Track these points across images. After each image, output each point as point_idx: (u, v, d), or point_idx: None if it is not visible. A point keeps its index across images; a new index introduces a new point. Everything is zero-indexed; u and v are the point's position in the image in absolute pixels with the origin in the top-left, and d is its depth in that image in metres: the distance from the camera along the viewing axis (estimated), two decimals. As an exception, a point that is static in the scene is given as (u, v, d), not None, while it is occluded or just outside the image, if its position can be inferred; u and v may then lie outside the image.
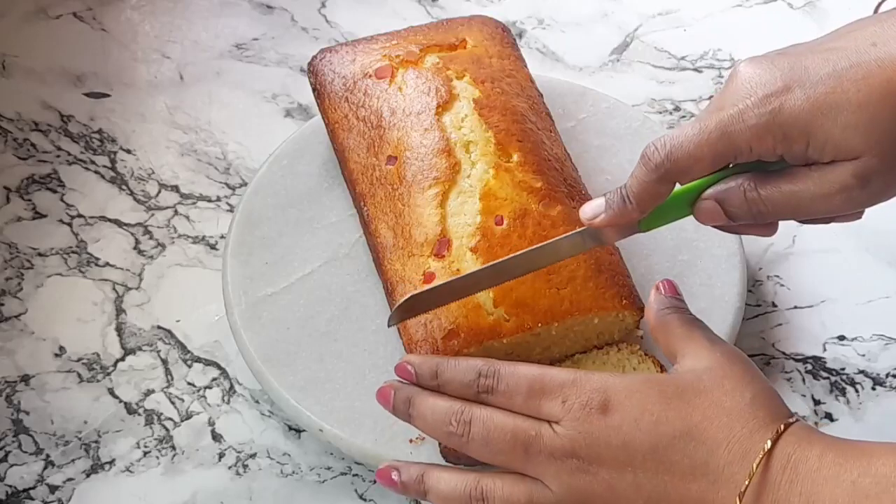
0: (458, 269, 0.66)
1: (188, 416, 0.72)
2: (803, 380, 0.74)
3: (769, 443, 0.54)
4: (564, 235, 0.63)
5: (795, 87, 0.56)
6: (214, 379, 0.74)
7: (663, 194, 0.60)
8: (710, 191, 0.60)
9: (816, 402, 0.73)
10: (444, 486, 0.59)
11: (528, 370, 0.59)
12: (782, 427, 0.55)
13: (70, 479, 0.69)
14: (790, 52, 0.59)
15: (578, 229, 0.63)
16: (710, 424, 0.55)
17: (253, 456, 0.70)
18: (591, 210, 0.62)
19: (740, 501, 0.54)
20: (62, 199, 0.83)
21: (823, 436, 0.55)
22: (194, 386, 0.73)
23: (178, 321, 0.76)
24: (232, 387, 0.73)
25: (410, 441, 0.67)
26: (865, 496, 0.51)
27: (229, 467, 0.70)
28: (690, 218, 0.69)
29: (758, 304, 0.78)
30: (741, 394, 0.56)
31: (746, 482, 0.53)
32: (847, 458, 0.53)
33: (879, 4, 0.88)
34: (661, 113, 0.90)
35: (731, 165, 0.59)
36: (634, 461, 0.56)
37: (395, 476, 0.61)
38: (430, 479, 0.60)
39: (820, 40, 0.59)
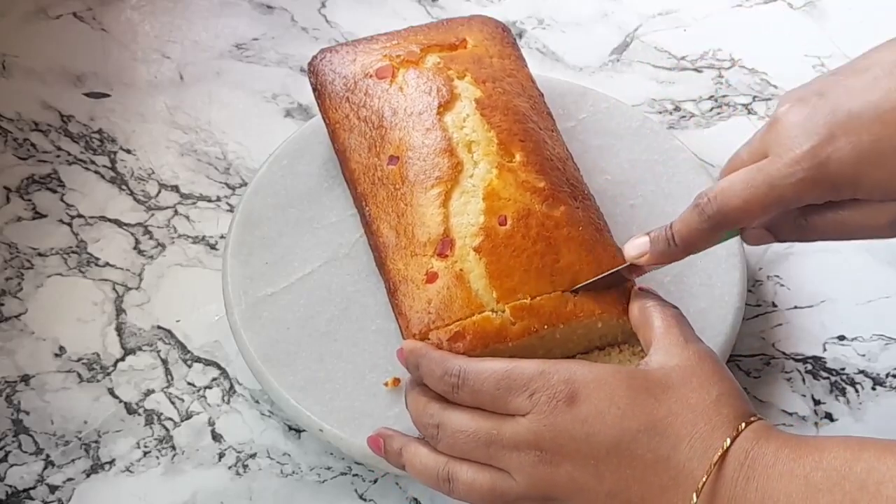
0: (461, 269, 0.66)
1: (188, 416, 0.72)
2: (803, 380, 0.74)
3: (728, 440, 0.55)
4: (605, 274, 0.66)
5: (840, 136, 0.57)
6: (214, 379, 0.74)
7: (713, 241, 0.62)
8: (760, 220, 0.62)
9: (816, 402, 0.73)
10: (418, 462, 0.62)
11: (494, 367, 0.60)
12: (743, 425, 0.56)
13: (70, 479, 0.69)
14: (829, 93, 0.59)
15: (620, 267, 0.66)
16: (674, 420, 0.56)
17: (253, 456, 0.70)
18: (636, 249, 0.64)
19: (697, 497, 0.55)
20: (62, 199, 0.83)
21: (781, 433, 0.56)
22: (194, 386, 0.73)
23: (178, 321, 0.76)
24: (232, 387, 0.73)
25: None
26: (818, 490, 0.52)
27: (229, 467, 0.70)
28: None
29: (758, 304, 0.78)
30: (707, 391, 0.57)
31: (704, 478, 0.55)
32: (801, 453, 0.54)
33: None
34: (661, 113, 0.90)
35: None
36: (598, 454, 0.57)
37: (381, 444, 0.64)
38: (407, 453, 0.63)
39: (856, 69, 0.59)
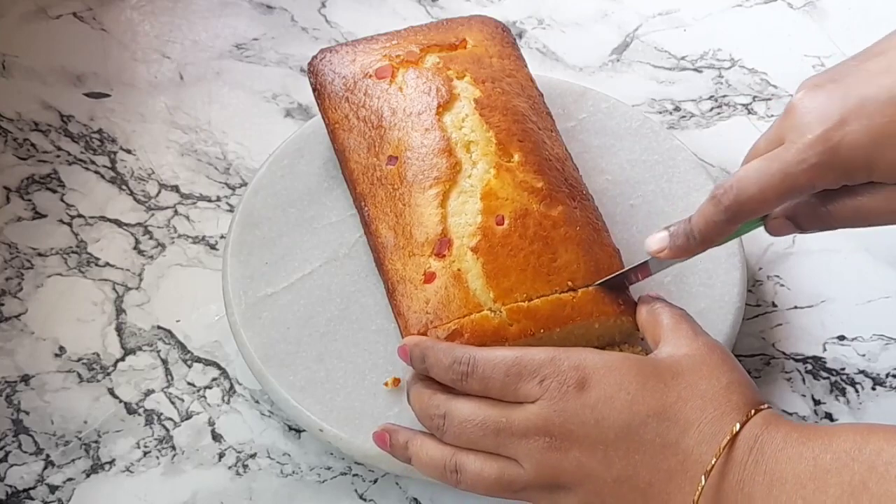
0: (458, 269, 0.66)
1: (188, 416, 0.72)
2: (803, 380, 0.74)
3: (738, 425, 0.56)
4: (615, 275, 0.67)
5: (852, 120, 0.56)
6: (214, 379, 0.74)
7: (730, 231, 0.61)
8: (779, 209, 0.62)
9: (816, 402, 0.73)
10: (425, 454, 0.62)
11: (505, 354, 0.61)
12: (753, 412, 0.57)
13: (70, 479, 0.69)
14: (843, 79, 0.59)
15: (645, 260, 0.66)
16: (684, 405, 0.57)
17: (253, 456, 0.70)
18: (656, 244, 0.64)
19: (706, 480, 0.55)
20: (62, 199, 0.83)
21: (790, 420, 0.57)
22: (194, 386, 0.73)
23: (178, 321, 0.76)
24: (232, 387, 0.73)
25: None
26: (826, 471, 0.53)
27: (229, 467, 0.70)
28: (687, 216, 0.70)
29: (758, 304, 0.78)
30: (717, 379, 0.58)
31: (713, 461, 0.55)
32: (810, 437, 0.55)
33: None
34: (661, 113, 0.90)
35: None
36: (607, 439, 0.57)
37: (387, 439, 0.64)
38: (413, 446, 0.63)
39: (871, 54, 0.59)
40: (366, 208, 0.72)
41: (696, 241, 0.62)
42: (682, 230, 0.63)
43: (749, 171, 0.59)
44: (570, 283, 0.66)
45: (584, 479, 0.58)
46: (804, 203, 0.61)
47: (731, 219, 0.60)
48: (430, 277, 0.67)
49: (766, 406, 0.58)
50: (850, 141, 0.56)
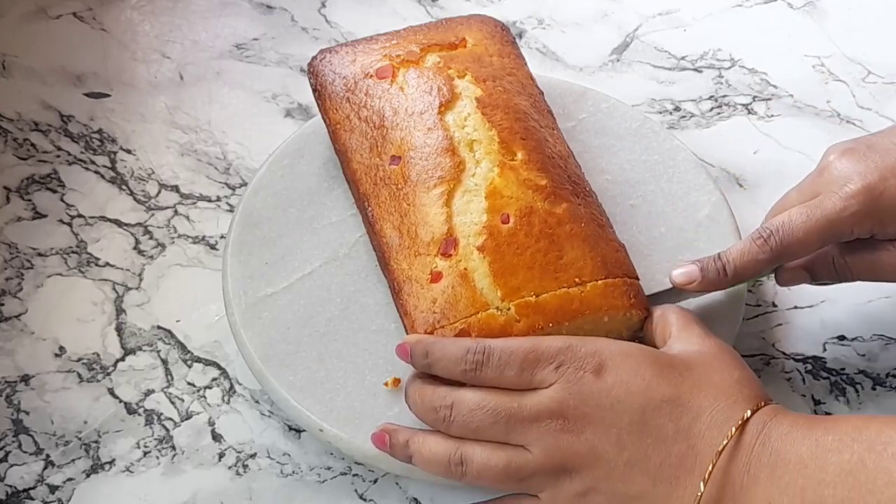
0: (465, 268, 0.66)
1: (188, 416, 0.72)
2: (803, 380, 0.74)
3: (749, 412, 0.58)
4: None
5: (891, 177, 0.64)
6: (214, 379, 0.74)
7: (766, 271, 0.67)
8: (799, 260, 0.67)
9: (816, 402, 0.73)
10: (427, 450, 0.62)
11: (521, 342, 0.61)
12: (763, 403, 0.59)
13: (70, 479, 0.69)
14: (876, 145, 0.66)
15: (663, 289, 0.70)
16: (697, 393, 0.59)
17: (253, 456, 0.70)
18: (685, 277, 0.68)
19: (715, 463, 0.57)
20: (62, 199, 0.83)
21: (797, 413, 0.60)
22: (194, 386, 0.73)
23: (178, 321, 0.76)
24: (232, 387, 0.73)
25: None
26: (826, 451, 0.56)
27: (229, 467, 0.70)
28: (687, 216, 0.71)
29: (758, 304, 0.78)
30: (729, 373, 0.61)
31: (724, 442, 0.57)
32: (815, 423, 0.58)
33: None
34: (661, 113, 0.90)
35: None
36: (621, 422, 0.58)
37: (386, 439, 0.64)
38: (414, 444, 0.63)
39: (893, 133, 0.67)
40: (369, 208, 0.72)
41: (729, 276, 0.66)
42: (715, 265, 0.66)
43: (793, 216, 0.65)
44: (577, 279, 0.66)
45: (594, 461, 0.59)
46: (823, 254, 0.67)
47: (772, 259, 0.66)
48: (436, 277, 0.67)
49: (773, 401, 0.60)
50: (890, 194, 0.64)
